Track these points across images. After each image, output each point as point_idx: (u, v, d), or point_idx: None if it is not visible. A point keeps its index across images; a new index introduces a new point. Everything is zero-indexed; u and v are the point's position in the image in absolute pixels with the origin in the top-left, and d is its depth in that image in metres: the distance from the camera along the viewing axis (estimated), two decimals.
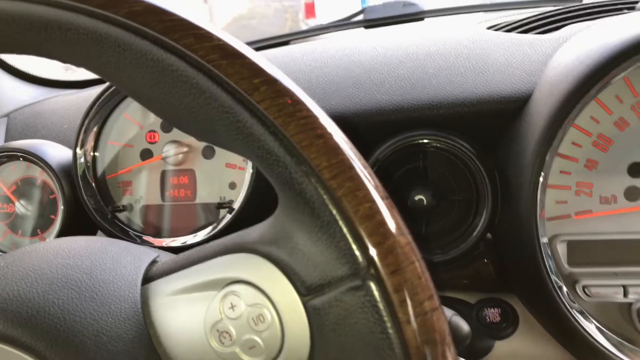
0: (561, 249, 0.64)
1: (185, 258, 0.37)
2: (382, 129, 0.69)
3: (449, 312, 0.45)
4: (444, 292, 0.69)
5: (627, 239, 0.62)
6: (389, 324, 0.30)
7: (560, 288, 0.60)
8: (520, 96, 0.64)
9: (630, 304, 0.61)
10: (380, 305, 0.30)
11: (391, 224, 0.31)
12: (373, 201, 0.31)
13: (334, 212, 0.31)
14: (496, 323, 0.65)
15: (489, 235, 0.68)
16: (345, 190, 0.31)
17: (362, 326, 0.31)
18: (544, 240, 0.61)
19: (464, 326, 0.45)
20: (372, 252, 0.31)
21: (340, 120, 0.71)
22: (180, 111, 0.35)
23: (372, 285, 0.31)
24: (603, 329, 0.61)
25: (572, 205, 0.64)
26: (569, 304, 0.60)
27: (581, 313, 0.61)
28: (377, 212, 0.31)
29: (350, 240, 0.31)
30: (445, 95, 0.67)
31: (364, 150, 0.69)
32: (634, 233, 0.62)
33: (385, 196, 0.32)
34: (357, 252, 0.31)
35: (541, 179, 0.60)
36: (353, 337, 0.32)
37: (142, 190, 0.73)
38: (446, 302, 0.68)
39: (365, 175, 0.32)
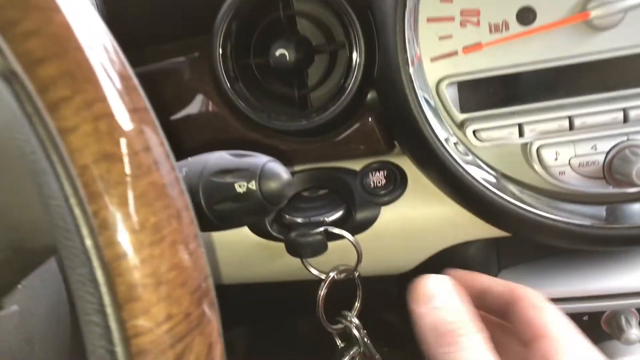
0: (450, 93, 0.54)
1: None
2: None
3: (264, 158, 0.36)
4: (331, 161, 0.60)
5: (522, 71, 0.52)
6: (44, 139, 0.21)
7: (446, 140, 0.51)
8: None
9: (528, 145, 0.53)
10: (29, 112, 0.21)
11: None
12: None
13: None
14: (381, 187, 0.57)
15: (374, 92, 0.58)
16: None
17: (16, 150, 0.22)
18: (420, 85, 0.51)
19: (283, 173, 0.36)
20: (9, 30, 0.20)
21: None
22: None
23: (16, 87, 0.21)
24: (499, 177, 0.53)
25: (458, 39, 0.53)
26: (457, 157, 0.51)
27: (473, 164, 0.53)
28: None
29: None
30: None
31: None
32: (529, 64, 0.52)
33: None
34: None
35: (408, 11, 0.50)
36: (11, 171, 0.22)
37: None
38: (329, 171, 0.59)
39: None
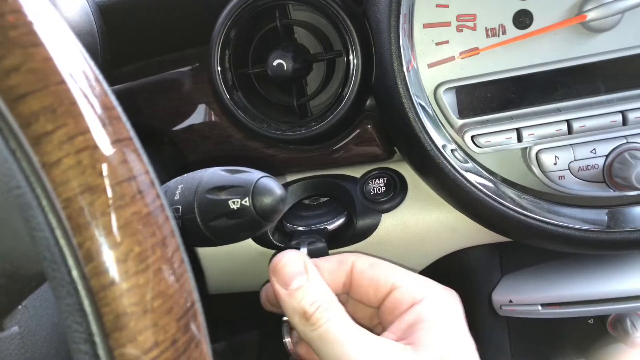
0: (448, 98, 0.54)
1: None
2: None
3: (257, 174, 0.36)
4: (331, 169, 0.60)
5: (519, 74, 0.52)
6: (29, 174, 0.21)
7: (444, 147, 0.51)
8: None
9: (527, 149, 0.52)
10: (12, 147, 0.21)
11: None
12: None
13: None
14: (381, 194, 0.57)
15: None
16: None
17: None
18: (417, 92, 0.51)
19: (276, 189, 0.36)
20: None
21: None
22: None
23: (0, 123, 0.21)
24: (498, 183, 0.53)
25: (455, 44, 0.53)
26: (455, 163, 0.51)
27: (472, 171, 0.52)
28: None
29: None
30: None
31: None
32: (526, 67, 0.52)
33: None
34: None
35: (403, 17, 0.50)
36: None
37: None
38: (329, 179, 0.59)
39: None
